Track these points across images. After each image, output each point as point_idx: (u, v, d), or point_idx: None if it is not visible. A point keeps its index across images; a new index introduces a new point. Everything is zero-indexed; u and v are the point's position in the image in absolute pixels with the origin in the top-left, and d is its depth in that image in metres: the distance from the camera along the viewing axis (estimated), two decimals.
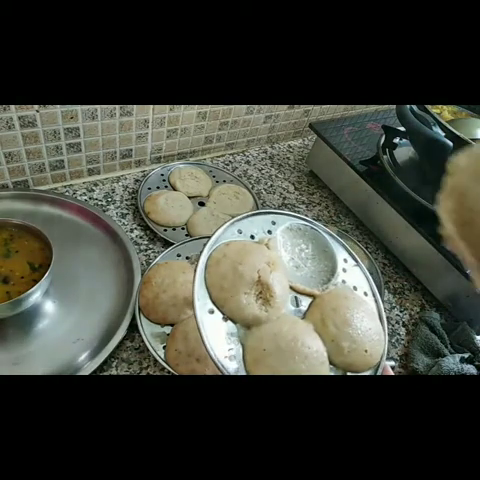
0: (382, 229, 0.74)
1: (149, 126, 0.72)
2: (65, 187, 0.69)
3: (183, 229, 0.67)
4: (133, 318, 0.51)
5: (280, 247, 0.42)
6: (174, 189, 0.73)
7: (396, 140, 0.79)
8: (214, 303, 0.36)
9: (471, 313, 0.63)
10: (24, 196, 0.63)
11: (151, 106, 0.69)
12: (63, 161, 0.67)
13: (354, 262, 0.45)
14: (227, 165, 0.86)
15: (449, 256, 0.62)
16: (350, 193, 0.79)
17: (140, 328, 0.50)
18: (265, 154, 0.92)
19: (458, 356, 0.56)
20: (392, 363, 0.57)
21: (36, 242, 0.51)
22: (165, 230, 0.66)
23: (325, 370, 0.36)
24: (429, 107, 0.63)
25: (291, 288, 0.40)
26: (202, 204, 0.73)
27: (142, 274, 0.56)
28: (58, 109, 0.59)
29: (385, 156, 0.75)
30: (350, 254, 0.45)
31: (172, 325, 0.51)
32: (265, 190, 0.82)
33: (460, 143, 0.57)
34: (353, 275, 0.44)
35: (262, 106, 0.86)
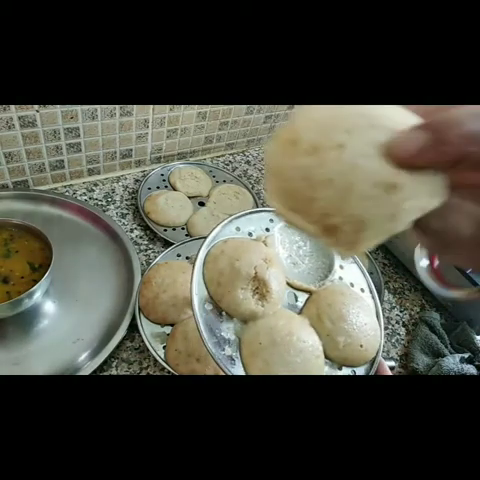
0: None
1: (149, 126, 0.72)
2: (65, 187, 0.69)
3: (183, 229, 0.67)
4: (133, 318, 0.51)
5: (278, 244, 0.42)
6: (174, 189, 0.73)
7: None
8: (212, 298, 0.37)
9: (471, 313, 0.63)
10: (24, 196, 0.63)
11: (151, 106, 0.69)
12: (63, 161, 0.67)
13: (351, 259, 0.45)
14: (227, 165, 0.86)
15: None
16: None
17: (140, 328, 0.50)
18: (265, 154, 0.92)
19: (458, 356, 0.56)
20: (392, 363, 0.57)
21: (36, 242, 0.51)
22: (165, 230, 0.66)
23: (320, 364, 0.37)
24: None
25: (288, 284, 0.41)
26: (202, 204, 0.73)
27: (142, 274, 0.56)
28: (58, 109, 0.59)
29: None
30: None
31: (172, 325, 0.51)
32: (265, 190, 0.82)
33: None
34: (350, 272, 0.44)
35: (262, 106, 0.86)
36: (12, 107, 0.56)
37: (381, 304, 0.44)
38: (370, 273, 0.46)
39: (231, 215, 0.41)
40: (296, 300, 0.41)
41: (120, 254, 0.60)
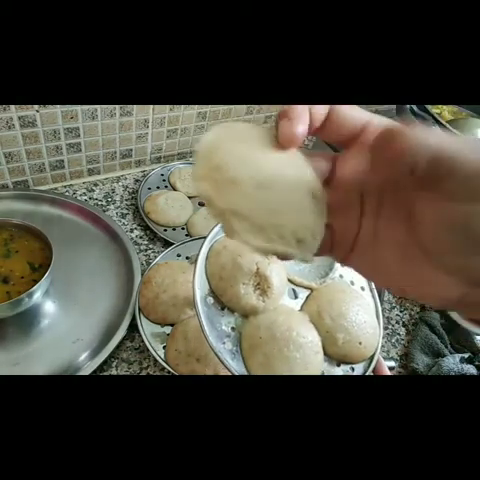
0: None
1: (149, 126, 0.72)
2: (65, 187, 0.69)
3: (183, 229, 0.67)
4: (133, 318, 0.51)
5: None
6: (174, 189, 0.73)
7: None
8: (213, 292, 0.38)
9: None
10: (24, 196, 0.63)
11: (151, 106, 0.69)
12: (63, 161, 0.67)
13: None
14: None
15: None
16: None
17: (140, 328, 0.50)
18: None
19: (458, 356, 0.56)
20: (392, 363, 0.57)
21: (36, 242, 0.51)
22: (165, 230, 0.66)
23: (319, 360, 0.37)
24: (429, 107, 0.63)
25: (289, 281, 0.42)
26: (202, 204, 0.73)
27: (142, 274, 0.56)
28: (58, 109, 0.59)
29: None
30: None
31: (172, 325, 0.51)
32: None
33: None
34: (351, 270, 0.45)
35: (262, 106, 0.86)
36: (12, 107, 0.56)
37: (381, 304, 0.44)
38: None
39: None
40: (297, 297, 0.41)
41: (120, 254, 0.60)
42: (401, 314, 0.66)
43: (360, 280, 0.45)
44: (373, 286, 0.45)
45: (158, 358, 0.48)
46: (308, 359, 0.36)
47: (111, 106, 0.64)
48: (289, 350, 0.36)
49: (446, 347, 0.59)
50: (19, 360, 0.46)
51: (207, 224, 0.67)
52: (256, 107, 0.85)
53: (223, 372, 0.46)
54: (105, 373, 0.48)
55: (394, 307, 0.67)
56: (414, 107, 0.68)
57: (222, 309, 0.37)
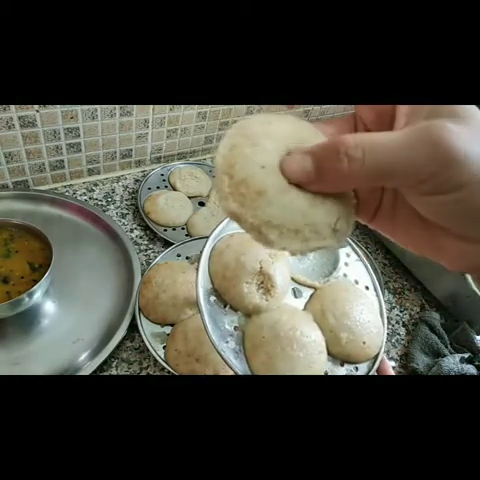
0: None
1: (149, 126, 0.72)
2: (65, 187, 0.69)
3: (183, 229, 0.67)
4: (133, 318, 0.51)
5: None
6: (174, 189, 0.73)
7: None
8: (216, 291, 0.37)
9: (471, 313, 0.63)
10: (24, 196, 0.63)
11: (151, 106, 0.69)
12: (63, 161, 0.67)
13: (356, 257, 0.45)
14: None
15: None
16: None
17: (140, 328, 0.50)
18: None
19: (458, 356, 0.56)
20: (392, 363, 0.57)
21: (36, 242, 0.51)
22: (165, 230, 0.66)
23: (323, 359, 0.37)
24: None
25: (293, 280, 0.41)
26: (202, 204, 0.73)
27: (142, 274, 0.56)
28: (58, 109, 0.59)
29: None
30: (353, 249, 0.46)
31: (172, 325, 0.51)
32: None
33: None
34: (355, 269, 0.45)
35: (262, 106, 0.86)
36: (12, 107, 0.56)
37: None
38: None
39: None
40: (300, 295, 0.41)
41: (120, 254, 0.60)
42: (401, 314, 0.66)
43: (365, 279, 0.44)
44: (378, 285, 0.44)
45: (158, 358, 0.48)
46: (311, 358, 0.36)
47: (111, 106, 0.64)
48: (292, 349, 0.35)
49: (446, 347, 0.59)
50: (19, 360, 0.46)
51: (207, 224, 0.67)
52: (256, 107, 0.85)
53: (223, 372, 0.46)
54: (105, 373, 0.48)
55: (394, 307, 0.67)
56: None
57: (225, 308, 0.37)
